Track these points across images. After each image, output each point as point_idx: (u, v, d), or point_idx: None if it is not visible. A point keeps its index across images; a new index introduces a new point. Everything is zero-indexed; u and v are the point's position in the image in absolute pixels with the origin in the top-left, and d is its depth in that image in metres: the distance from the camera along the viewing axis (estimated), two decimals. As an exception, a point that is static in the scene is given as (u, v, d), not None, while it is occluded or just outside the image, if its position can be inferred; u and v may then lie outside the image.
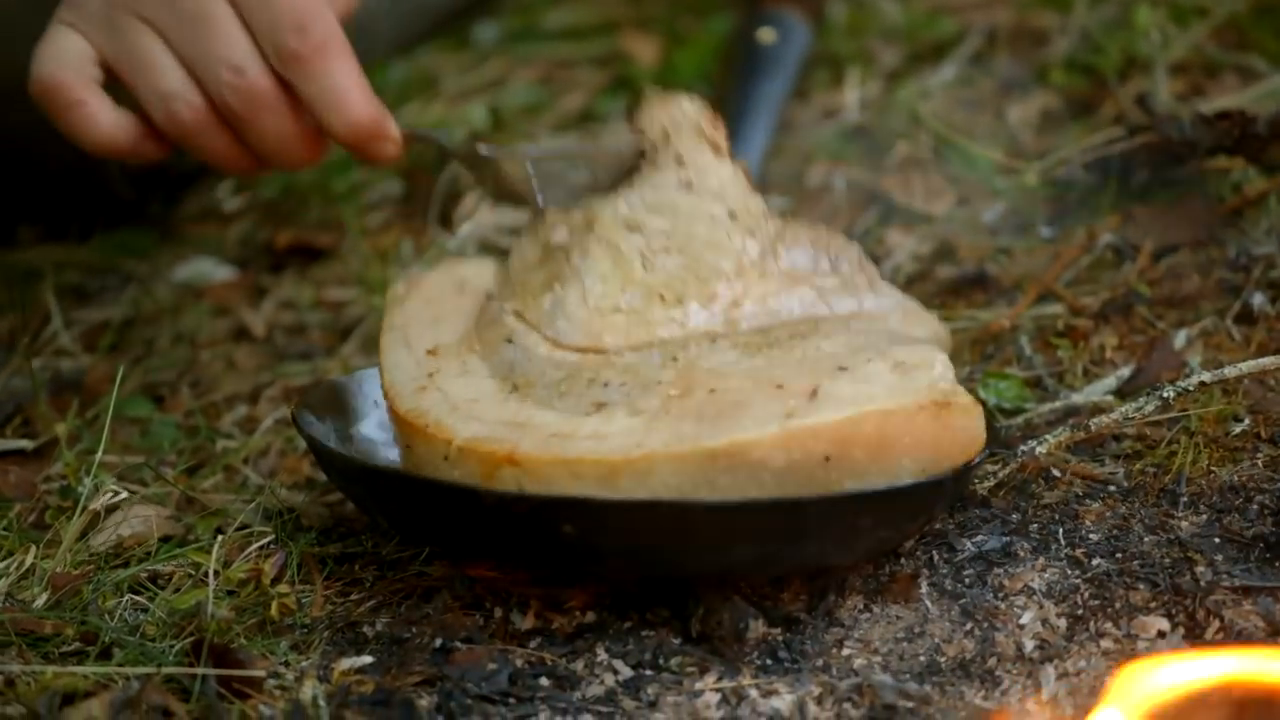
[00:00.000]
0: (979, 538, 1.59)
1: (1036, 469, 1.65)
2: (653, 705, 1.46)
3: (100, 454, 1.65)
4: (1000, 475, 1.63)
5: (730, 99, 2.09)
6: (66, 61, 1.60)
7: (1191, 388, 1.64)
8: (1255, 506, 1.59)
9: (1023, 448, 1.63)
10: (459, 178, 2.08)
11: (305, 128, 1.62)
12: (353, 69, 1.60)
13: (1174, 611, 1.50)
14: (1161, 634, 1.48)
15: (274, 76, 1.59)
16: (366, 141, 1.61)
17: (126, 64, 1.60)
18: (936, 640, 1.51)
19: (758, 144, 2.03)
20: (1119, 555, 1.56)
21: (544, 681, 1.48)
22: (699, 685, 1.47)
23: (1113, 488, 1.62)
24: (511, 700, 1.46)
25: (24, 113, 1.95)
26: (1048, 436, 1.63)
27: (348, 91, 1.59)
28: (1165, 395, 1.64)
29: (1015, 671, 1.48)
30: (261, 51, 1.58)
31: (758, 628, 1.51)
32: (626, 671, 1.49)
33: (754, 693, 1.46)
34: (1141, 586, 1.53)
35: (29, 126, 1.96)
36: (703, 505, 1.44)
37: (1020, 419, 1.70)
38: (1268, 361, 1.65)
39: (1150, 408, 1.64)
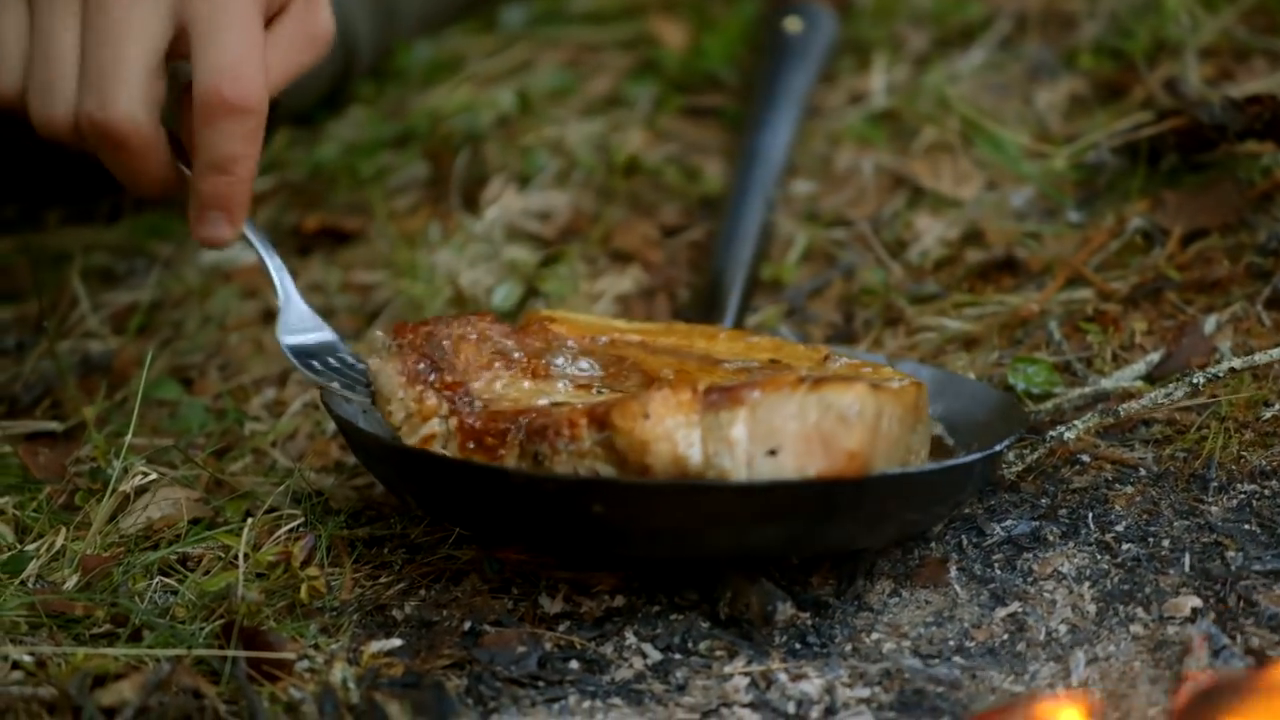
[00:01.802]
0: (1008, 522, 1.58)
1: (1066, 454, 1.64)
2: (681, 689, 1.46)
3: (129, 436, 1.65)
4: (1029, 461, 1.62)
5: (757, 89, 2.09)
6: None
7: (1222, 374, 1.64)
8: (1286, 492, 1.59)
9: (1051, 433, 1.63)
10: (485, 160, 2.08)
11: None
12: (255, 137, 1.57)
13: (1205, 596, 1.50)
14: (1195, 611, 1.48)
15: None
16: (215, 209, 1.59)
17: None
18: (966, 625, 1.50)
19: (784, 134, 2.03)
20: (1149, 540, 1.55)
21: (573, 665, 1.48)
22: (728, 669, 1.47)
23: (1142, 472, 1.62)
24: (541, 683, 1.46)
25: None
26: (1077, 423, 1.63)
27: (239, 159, 1.57)
28: (1195, 381, 1.64)
29: (1045, 656, 1.47)
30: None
31: (786, 611, 1.51)
32: (655, 655, 1.49)
33: (783, 676, 1.46)
34: (1171, 571, 1.52)
35: None
36: (731, 487, 1.45)
37: (1049, 404, 1.70)
38: (1298, 347, 1.65)
39: (1180, 394, 1.64)
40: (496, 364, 1.57)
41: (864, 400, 1.45)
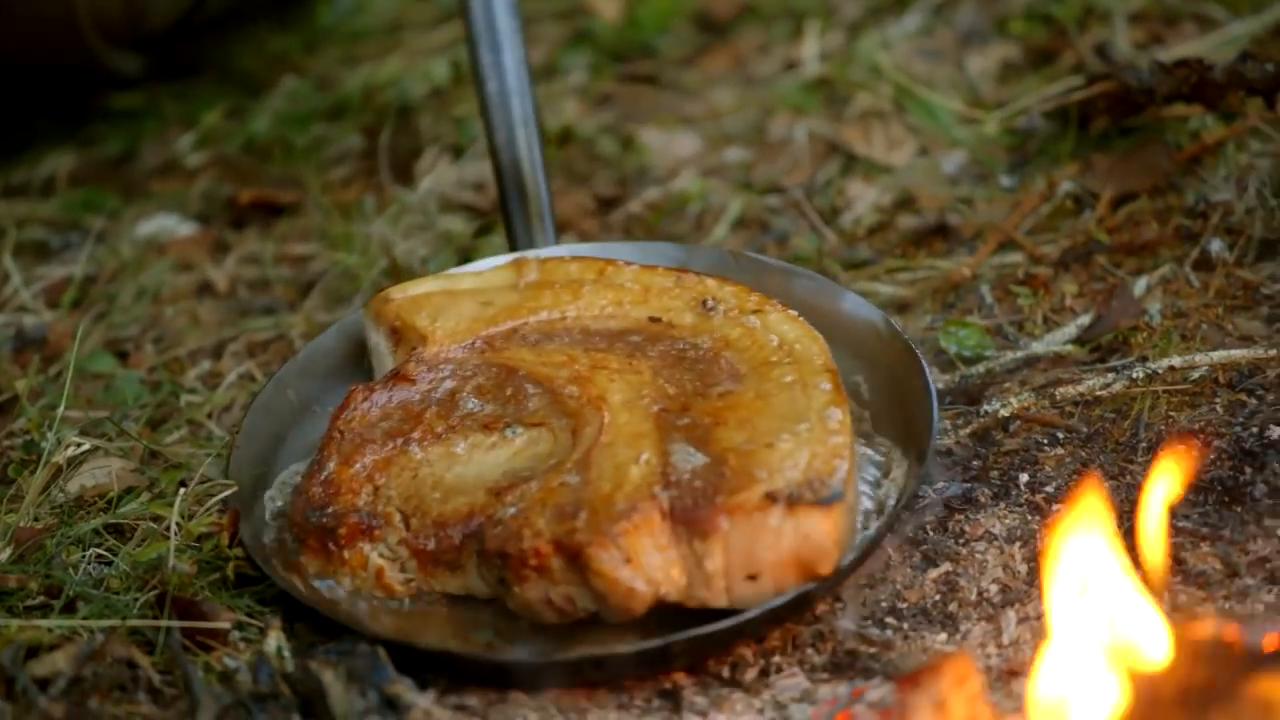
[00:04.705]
0: (940, 484, 1.59)
1: (997, 418, 1.65)
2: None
3: (62, 409, 1.65)
4: (962, 435, 1.63)
5: None
6: None
7: (1161, 370, 1.65)
8: (1213, 451, 1.59)
9: (986, 408, 1.64)
10: (419, 132, 2.08)
11: None
12: None
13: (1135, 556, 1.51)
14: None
15: None
16: None
17: None
18: (898, 586, 1.51)
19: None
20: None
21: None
22: (662, 633, 1.48)
23: (1072, 434, 1.63)
24: (475, 649, 1.47)
25: None
26: (1011, 399, 1.64)
27: None
28: (1134, 375, 1.65)
29: (976, 615, 1.48)
30: None
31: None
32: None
33: (717, 639, 1.47)
34: (1101, 531, 1.54)
35: None
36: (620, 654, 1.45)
37: (981, 367, 1.71)
38: (1237, 354, 1.66)
39: (1119, 385, 1.65)
40: (397, 443, 1.54)
41: (839, 521, 1.45)
